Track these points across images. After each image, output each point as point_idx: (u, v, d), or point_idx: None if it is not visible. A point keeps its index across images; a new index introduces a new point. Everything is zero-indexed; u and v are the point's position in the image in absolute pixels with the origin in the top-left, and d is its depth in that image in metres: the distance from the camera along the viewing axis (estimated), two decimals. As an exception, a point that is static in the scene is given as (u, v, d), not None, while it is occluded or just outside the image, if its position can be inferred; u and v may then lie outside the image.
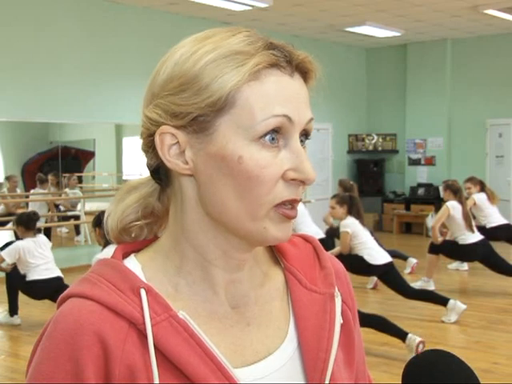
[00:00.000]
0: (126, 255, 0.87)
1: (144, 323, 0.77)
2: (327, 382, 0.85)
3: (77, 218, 10.00)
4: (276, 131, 0.78)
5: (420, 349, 4.93)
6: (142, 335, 0.78)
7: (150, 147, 0.84)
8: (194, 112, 0.78)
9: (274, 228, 0.80)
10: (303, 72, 0.83)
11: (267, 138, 0.78)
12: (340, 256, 6.00)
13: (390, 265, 6.04)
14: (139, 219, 0.89)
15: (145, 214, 0.90)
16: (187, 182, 0.82)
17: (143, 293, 0.79)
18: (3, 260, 6.03)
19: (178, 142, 0.80)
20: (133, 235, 0.90)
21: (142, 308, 0.78)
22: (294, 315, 0.88)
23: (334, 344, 0.86)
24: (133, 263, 0.85)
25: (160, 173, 0.86)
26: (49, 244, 6.30)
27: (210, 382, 0.77)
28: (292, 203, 0.80)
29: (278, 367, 0.84)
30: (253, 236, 0.81)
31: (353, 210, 6.15)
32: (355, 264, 6.09)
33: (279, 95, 0.78)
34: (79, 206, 10.13)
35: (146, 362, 0.77)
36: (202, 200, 0.82)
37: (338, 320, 0.88)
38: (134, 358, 0.77)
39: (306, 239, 0.96)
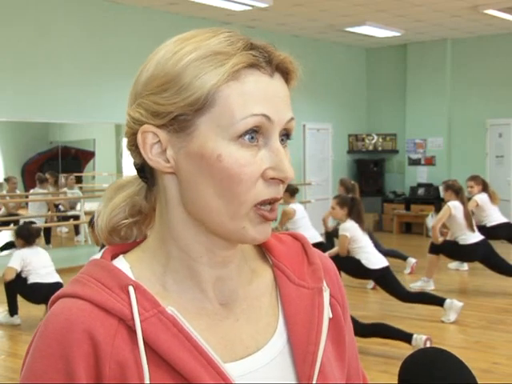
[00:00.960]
0: (115, 256, 0.88)
1: (133, 319, 0.78)
2: (316, 374, 0.85)
3: (76, 217, 9.99)
4: (255, 131, 0.80)
5: (428, 345, 4.93)
6: (132, 331, 0.79)
7: (134, 146, 0.85)
8: (175, 111, 0.80)
9: (252, 229, 0.81)
10: (284, 72, 0.84)
11: (246, 137, 0.79)
12: (337, 258, 6.02)
13: (386, 269, 6.05)
14: (127, 218, 0.91)
15: (132, 212, 0.91)
16: (169, 181, 0.84)
17: (131, 290, 0.80)
18: (16, 270, 6.02)
19: (159, 140, 0.82)
20: (122, 234, 0.92)
21: (130, 305, 0.79)
22: (283, 310, 0.89)
23: (322, 337, 0.87)
24: (121, 263, 0.86)
25: (145, 171, 0.87)
26: (47, 256, 6.27)
27: (201, 376, 0.78)
28: (272, 203, 0.81)
29: (268, 361, 0.85)
30: (232, 235, 0.82)
31: (353, 213, 6.15)
32: (352, 267, 6.12)
33: (258, 95, 0.80)
34: (79, 206, 10.13)
35: (136, 357, 0.78)
36: (183, 198, 0.83)
37: (327, 314, 0.89)
38: (124, 353, 0.78)
39: (295, 237, 0.97)
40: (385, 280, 6.06)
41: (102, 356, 0.77)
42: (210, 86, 0.78)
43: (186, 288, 0.85)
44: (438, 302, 6.10)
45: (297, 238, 0.97)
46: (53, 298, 0.83)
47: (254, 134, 0.80)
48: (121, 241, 0.92)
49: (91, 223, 5.08)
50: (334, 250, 6.33)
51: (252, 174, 0.79)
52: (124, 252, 0.89)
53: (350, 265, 6.08)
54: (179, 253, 0.85)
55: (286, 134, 0.84)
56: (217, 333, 0.84)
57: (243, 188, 0.79)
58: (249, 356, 0.84)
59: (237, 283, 0.88)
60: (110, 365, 0.77)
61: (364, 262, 6.04)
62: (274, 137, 0.81)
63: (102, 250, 0.89)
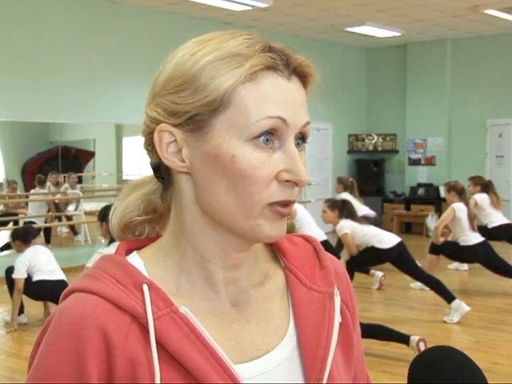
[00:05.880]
0: (128, 252, 0.88)
1: (146, 317, 0.79)
2: (325, 380, 0.85)
3: (77, 217, 9.99)
4: (271, 133, 0.80)
5: (421, 346, 4.92)
6: (144, 330, 0.79)
7: (150, 145, 0.86)
8: (191, 111, 0.80)
9: (267, 226, 0.81)
10: (301, 76, 0.84)
11: (261, 138, 0.79)
12: (353, 258, 6.04)
13: (401, 245, 6.09)
14: (141, 215, 0.91)
15: (147, 210, 0.92)
16: (185, 181, 0.84)
17: (145, 288, 0.80)
18: (23, 279, 5.94)
19: (175, 140, 0.82)
20: (136, 233, 0.92)
21: (144, 303, 0.80)
22: (293, 313, 0.89)
23: (332, 343, 0.87)
24: (135, 259, 0.87)
25: (161, 171, 0.88)
26: (50, 253, 6.21)
27: (211, 376, 0.78)
28: (285, 205, 0.82)
29: (277, 364, 0.85)
30: (246, 233, 0.82)
31: (344, 214, 6.17)
32: (369, 257, 6.13)
33: (275, 97, 0.80)
34: (77, 206, 10.12)
35: (148, 355, 0.78)
36: (197, 198, 0.83)
37: (337, 319, 0.89)
38: (136, 351, 0.78)
39: (307, 239, 0.97)
40: (401, 259, 6.10)
41: (115, 353, 0.77)
42: (226, 87, 0.79)
43: (199, 288, 0.85)
44: (448, 297, 6.07)
45: (309, 240, 0.97)
46: (65, 291, 0.83)
47: (270, 136, 0.80)
48: (133, 238, 0.92)
49: (101, 218, 5.05)
50: (345, 255, 6.36)
51: (266, 176, 0.79)
52: (138, 248, 0.89)
53: (366, 257, 6.09)
54: (193, 253, 0.85)
55: (301, 138, 0.84)
56: (227, 334, 0.84)
57: (256, 189, 0.79)
58: (258, 358, 0.84)
59: (249, 285, 0.88)
60: (121, 362, 0.77)
61: (378, 245, 6.05)
62: (290, 140, 0.81)
63: (115, 245, 0.89)
